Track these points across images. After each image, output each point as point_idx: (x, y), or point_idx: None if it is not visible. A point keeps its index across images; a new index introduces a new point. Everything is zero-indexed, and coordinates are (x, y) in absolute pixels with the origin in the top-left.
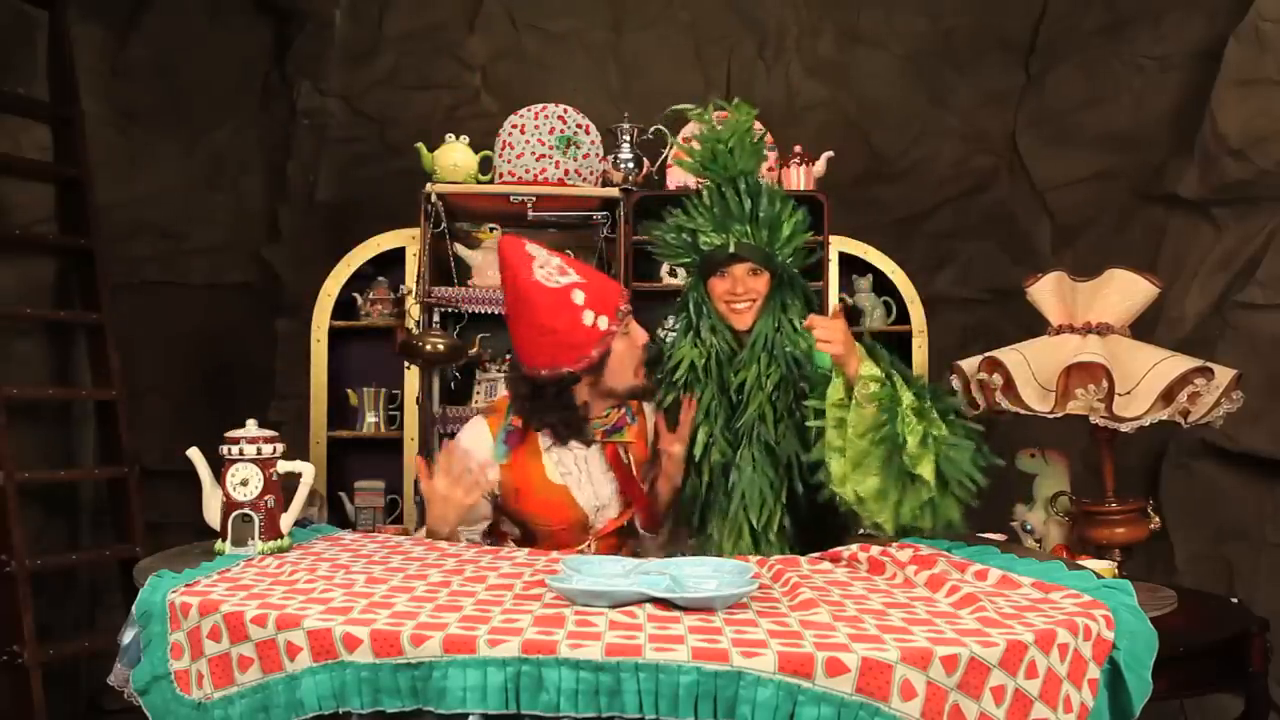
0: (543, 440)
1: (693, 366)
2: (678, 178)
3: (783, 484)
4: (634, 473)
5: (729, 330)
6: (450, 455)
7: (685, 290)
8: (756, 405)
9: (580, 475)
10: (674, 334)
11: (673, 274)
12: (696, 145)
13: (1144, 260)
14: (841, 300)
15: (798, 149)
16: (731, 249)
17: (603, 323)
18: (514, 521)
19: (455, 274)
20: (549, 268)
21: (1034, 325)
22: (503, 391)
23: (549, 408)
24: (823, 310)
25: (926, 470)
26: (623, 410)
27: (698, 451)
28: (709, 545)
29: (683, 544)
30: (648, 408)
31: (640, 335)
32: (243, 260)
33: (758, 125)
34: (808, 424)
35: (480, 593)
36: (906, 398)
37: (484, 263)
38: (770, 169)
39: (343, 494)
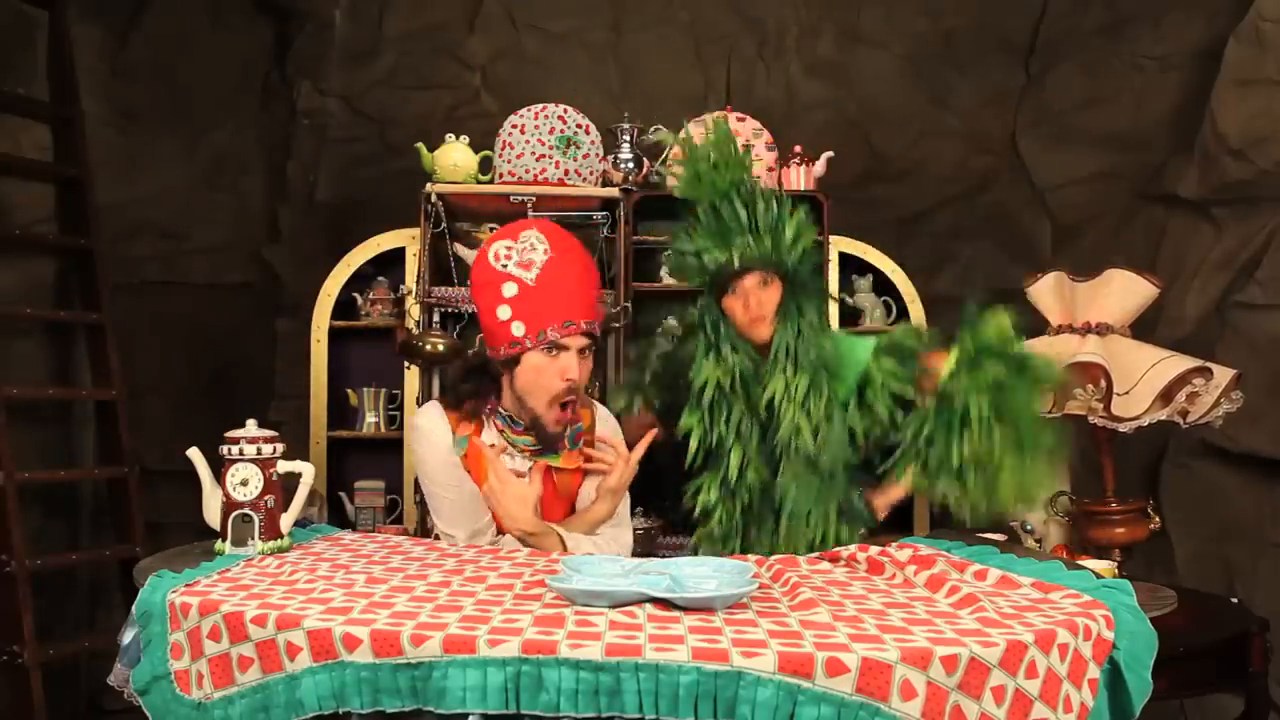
0: (488, 441)
1: (719, 386)
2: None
3: (830, 496)
4: (556, 496)
5: (750, 345)
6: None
7: (699, 311)
8: (790, 419)
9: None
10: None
11: (673, 274)
12: (679, 170)
13: (1144, 260)
14: (842, 299)
15: (798, 149)
16: (736, 263)
17: (518, 328)
18: None
19: (455, 274)
20: (516, 256)
21: (1034, 325)
22: None
23: (464, 379)
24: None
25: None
26: (563, 433)
27: (732, 476)
28: None
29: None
30: (603, 432)
31: (571, 371)
32: (243, 260)
33: (740, 132)
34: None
35: (480, 593)
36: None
37: None
38: (770, 169)
39: (343, 494)
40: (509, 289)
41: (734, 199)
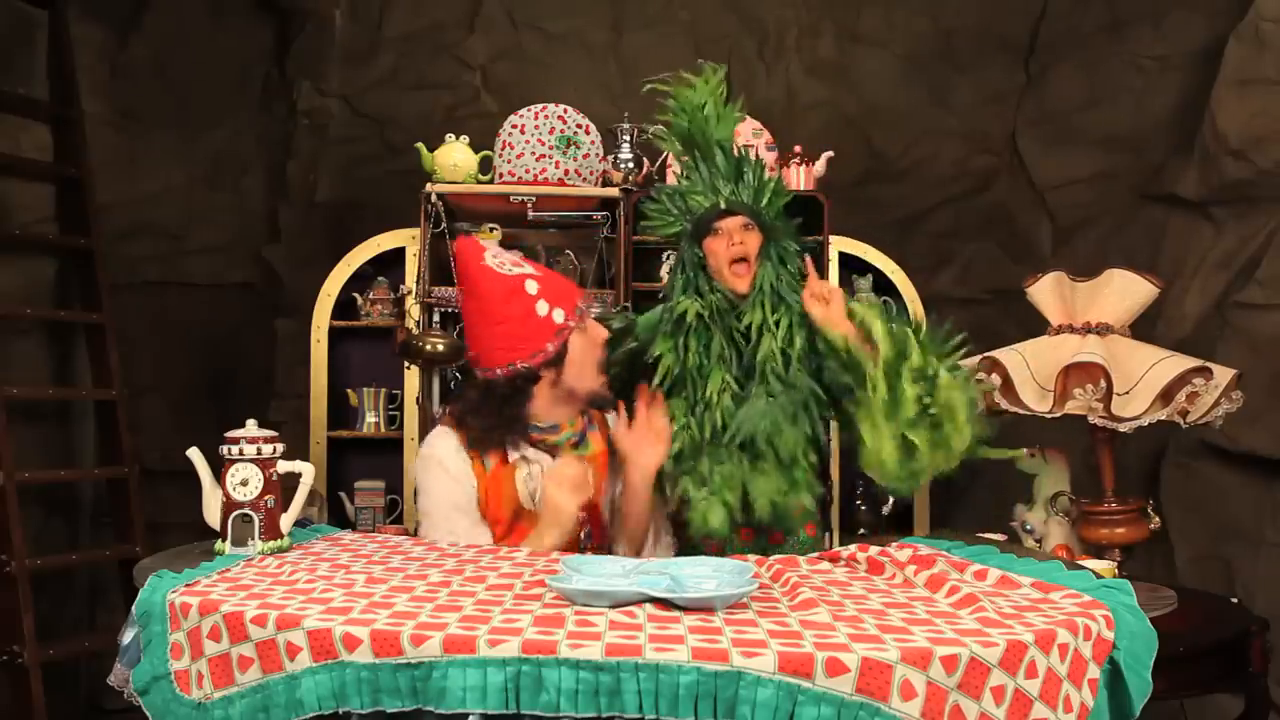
0: (511, 456)
1: (699, 316)
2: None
3: (801, 415)
4: (592, 488)
5: (726, 289)
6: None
7: (678, 256)
8: (768, 345)
9: None
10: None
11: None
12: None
13: (1144, 260)
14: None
15: (798, 149)
16: (722, 204)
17: (558, 315)
18: None
19: (455, 274)
20: (502, 257)
21: (1034, 325)
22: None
23: (490, 408)
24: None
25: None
26: (585, 420)
27: (712, 396)
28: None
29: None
30: (611, 419)
31: (599, 334)
32: (243, 260)
33: (740, 132)
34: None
35: (480, 593)
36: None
37: None
38: (770, 169)
39: (343, 494)
40: (532, 286)
41: (724, 151)
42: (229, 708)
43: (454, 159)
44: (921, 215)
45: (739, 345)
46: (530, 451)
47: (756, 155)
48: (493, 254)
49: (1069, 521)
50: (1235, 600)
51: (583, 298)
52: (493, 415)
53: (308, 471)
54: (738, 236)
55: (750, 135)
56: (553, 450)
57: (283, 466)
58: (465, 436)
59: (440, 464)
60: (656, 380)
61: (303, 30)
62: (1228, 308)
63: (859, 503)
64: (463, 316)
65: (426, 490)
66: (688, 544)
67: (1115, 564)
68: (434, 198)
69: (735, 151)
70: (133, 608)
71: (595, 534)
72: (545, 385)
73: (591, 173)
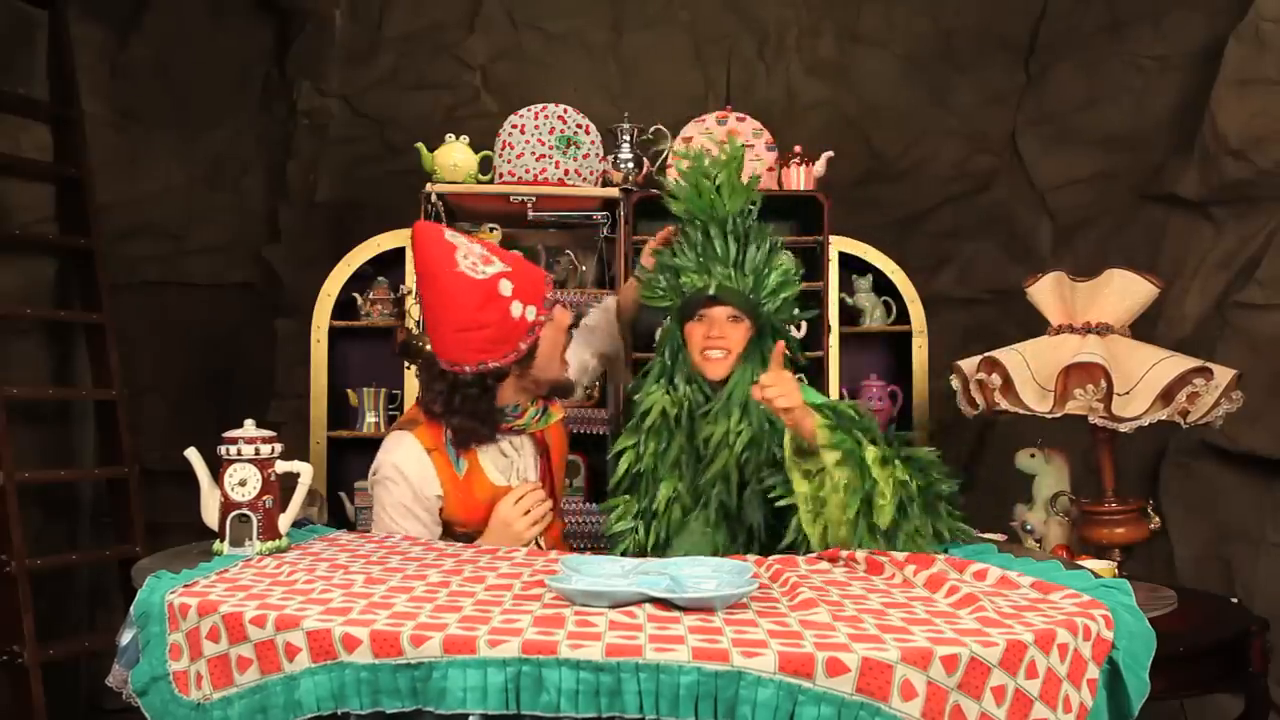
0: (487, 451)
1: (664, 414)
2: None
3: (734, 550)
4: (552, 465)
5: (703, 381)
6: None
7: (661, 335)
8: (722, 463)
9: (517, 466)
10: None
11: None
12: (679, 178)
13: (1144, 260)
14: (842, 299)
15: (798, 149)
16: (712, 291)
17: (530, 313)
18: (450, 534)
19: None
20: (473, 257)
21: (1034, 325)
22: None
23: (466, 407)
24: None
25: (885, 519)
26: (543, 400)
27: (659, 505)
28: None
29: None
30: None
31: (565, 320)
32: (243, 260)
33: (740, 132)
34: (770, 486)
35: (480, 593)
36: (870, 452)
37: None
38: (770, 169)
39: (343, 494)
40: (505, 287)
41: (728, 229)
42: (228, 708)
43: (454, 159)
44: (921, 215)
45: (699, 452)
46: (504, 444)
47: (776, 241)
48: (463, 254)
49: (1069, 521)
50: (1235, 600)
51: (549, 285)
52: (464, 413)
53: (306, 472)
54: (718, 330)
55: (750, 135)
56: (519, 431)
57: (281, 467)
58: (439, 435)
59: (397, 470)
60: (614, 480)
61: (303, 30)
62: (1228, 308)
63: None
64: (424, 308)
65: (379, 494)
66: None
67: (1115, 564)
68: (434, 198)
69: (746, 227)
70: (131, 608)
71: (555, 509)
72: (512, 377)
73: (591, 173)
